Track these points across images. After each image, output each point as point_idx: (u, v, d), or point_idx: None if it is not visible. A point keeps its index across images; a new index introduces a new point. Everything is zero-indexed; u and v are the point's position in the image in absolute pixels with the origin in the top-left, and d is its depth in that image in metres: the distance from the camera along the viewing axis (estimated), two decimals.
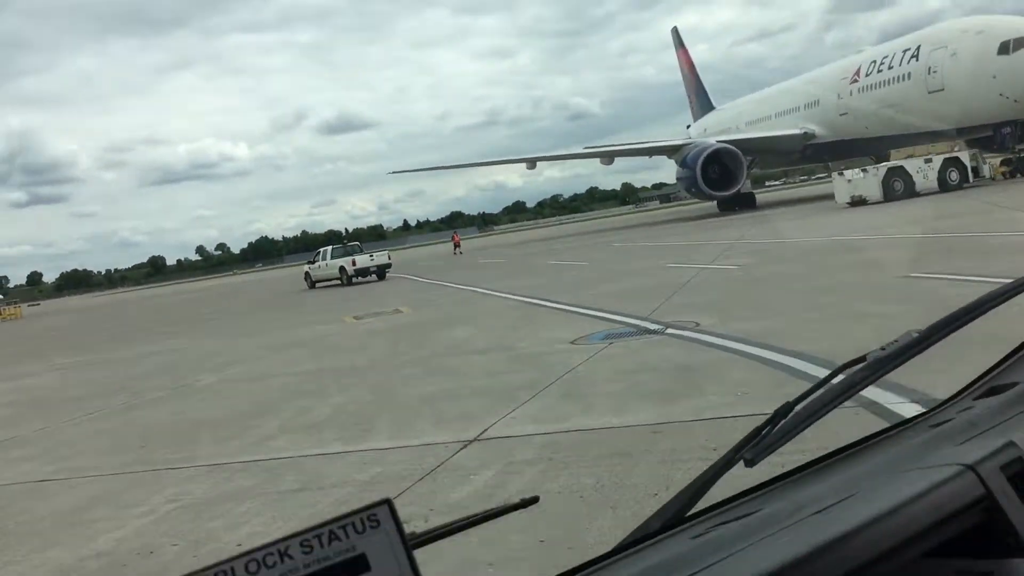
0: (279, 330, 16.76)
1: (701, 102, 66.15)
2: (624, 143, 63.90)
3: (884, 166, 28.38)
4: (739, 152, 40.12)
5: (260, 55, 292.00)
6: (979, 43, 29.25)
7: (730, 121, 53.85)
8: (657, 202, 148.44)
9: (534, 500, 0.98)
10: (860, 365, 1.15)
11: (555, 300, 13.75)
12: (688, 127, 65.93)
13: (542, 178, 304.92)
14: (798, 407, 1.10)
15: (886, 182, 27.27)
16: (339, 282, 31.19)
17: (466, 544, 3.08)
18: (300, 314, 21.08)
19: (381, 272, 31.02)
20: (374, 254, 32.22)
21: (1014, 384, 1.22)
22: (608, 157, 59.56)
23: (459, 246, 48.18)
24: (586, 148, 63.51)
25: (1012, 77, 27.68)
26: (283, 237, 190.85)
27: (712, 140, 42.63)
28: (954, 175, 27.55)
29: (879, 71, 35.63)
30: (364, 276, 30.80)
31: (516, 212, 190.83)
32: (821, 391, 1.12)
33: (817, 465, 1.14)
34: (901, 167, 27.88)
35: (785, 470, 1.13)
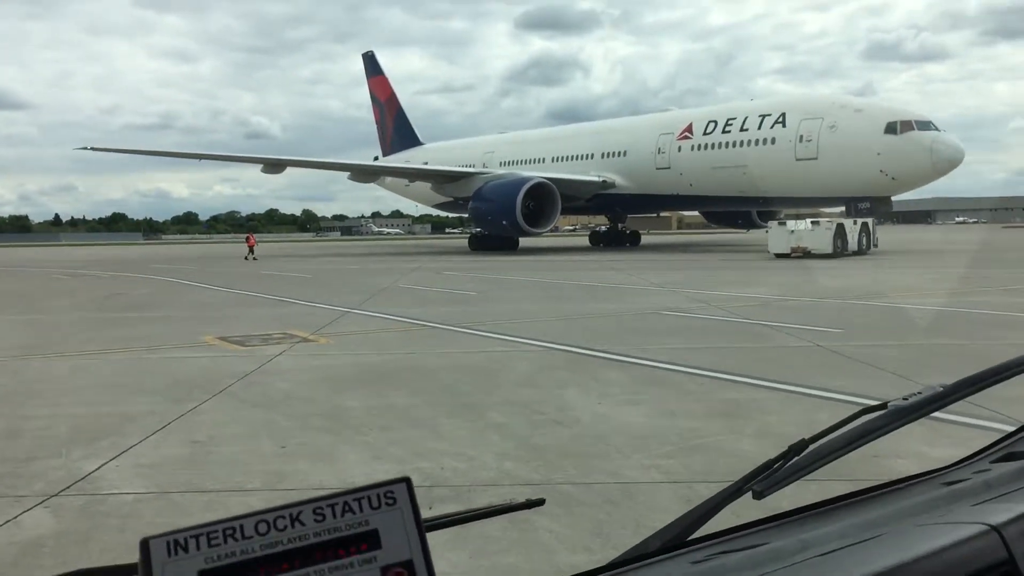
0: (113, 352, 9.89)
1: (403, 134, 61.09)
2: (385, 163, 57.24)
3: (834, 221, 27.97)
4: (556, 190, 36.91)
5: None
6: (862, 120, 30.10)
7: (475, 158, 49.68)
8: (339, 233, 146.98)
9: (540, 502, 1.03)
10: (880, 412, 1.15)
11: (607, 350, 8.80)
12: (376, 159, 60.35)
13: (211, 192, 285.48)
14: (812, 446, 1.11)
15: (835, 238, 27.08)
16: None
17: None
18: (104, 324, 13.76)
19: None
20: None
21: None
22: (372, 174, 53.63)
23: (253, 250, 38.89)
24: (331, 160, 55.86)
25: (895, 156, 28.88)
26: None
27: (526, 173, 39.14)
28: (864, 240, 28.63)
29: (725, 131, 34.65)
30: None
31: (187, 224, 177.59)
32: (838, 433, 1.13)
33: (826, 506, 1.15)
34: (842, 225, 27.68)
35: (793, 507, 1.13)
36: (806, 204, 34.04)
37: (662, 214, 75.90)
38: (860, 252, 28.11)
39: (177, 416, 6.27)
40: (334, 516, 0.71)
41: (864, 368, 7.83)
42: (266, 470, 4.94)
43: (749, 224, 43.74)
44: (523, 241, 40.68)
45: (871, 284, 17.89)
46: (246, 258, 36.71)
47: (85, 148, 42.17)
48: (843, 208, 31.88)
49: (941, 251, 32.58)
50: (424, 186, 48.97)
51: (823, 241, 26.86)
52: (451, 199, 46.28)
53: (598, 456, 5.12)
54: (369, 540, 0.71)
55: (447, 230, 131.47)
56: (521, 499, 0.99)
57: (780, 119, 32.58)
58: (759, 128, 33.32)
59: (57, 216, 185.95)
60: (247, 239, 40.87)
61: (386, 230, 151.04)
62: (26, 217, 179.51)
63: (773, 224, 29.55)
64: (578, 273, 23.74)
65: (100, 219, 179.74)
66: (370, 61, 64.14)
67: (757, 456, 4.95)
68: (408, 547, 0.71)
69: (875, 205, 30.44)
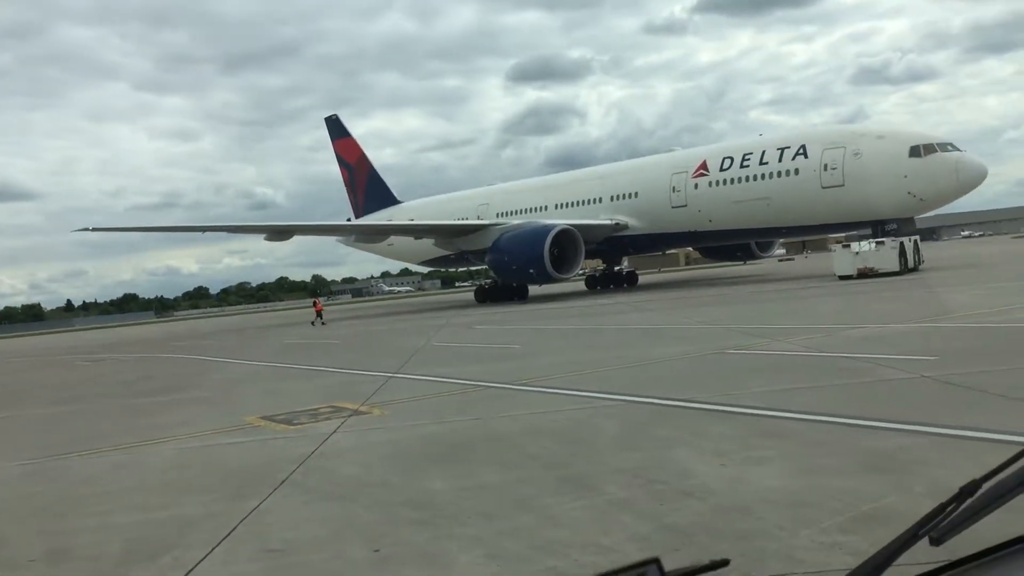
0: (153, 443, 9.09)
1: (376, 195, 59.80)
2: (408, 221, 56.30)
3: (898, 240, 28.34)
4: (579, 235, 36.37)
5: None
6: (886, 146, 30.69)
7: (467, 211, 48.46)
8: (350, 295, 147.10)
9: (724, 562, 0.99)
10: None
11: (691, 399, 7.91)
12: (349, 220, 58.98)
13: (221, 265, 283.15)
14: (986, 485, 1.06)
15: (899, 256, 27.85)
16: None
17: None
18: (136, 412, 13.03)
19: None
20: None
21: None
22: (380, 234, 52.82)
23: (321, 315, 38.21)
24: (336, 223, 55.01)
25: (923, 177, 29.52)
26: None
27: (547, 221, 38.53)
28: (917, 257, 29.41)
29: (743, 166, 34.59)
30: None
31: (198, 298, 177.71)
32: (1012, 469, 1.05)
33: (1010, 547, 1.03)
34: (903, 243, 28.22)
35: (974, 551, 1.05)
36: (832, 230, 34.85)
37: (667, 252, 74.96)
38: (915, 269, 28.65)
39: (241, 518, 5.45)
40: None
41: (994, 400, 6.97)
42: None
43: (748, 256, 43.69)
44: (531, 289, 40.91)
45: (928, 304, 17.01)
46: (312, 323, 36.51)
47: (86, 229, 40.87)
48: (848, 233, 32.85)
49: (978, 264, 32.13)
50: (408, 244, 48.19)
51: (889, 260, 27.68)
52: (454, 253, 45.41)
53: (759, 535, 4.27)
54: None
55: (457, 284, 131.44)
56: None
57: (800, 151, 32.85)
58: (779, 161, 33.45)
59: (69, 301, 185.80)
60: (314, 304, 40.62)
61: (397, 289, 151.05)
62: (38, 305, 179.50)
63: (837, 247, 30.09)
64: (610, 317, 22.95)
65: (111, 301, 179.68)
66: (334, 124, 62.62)
67: None
68: None
69: (902, 226, 30.80)
